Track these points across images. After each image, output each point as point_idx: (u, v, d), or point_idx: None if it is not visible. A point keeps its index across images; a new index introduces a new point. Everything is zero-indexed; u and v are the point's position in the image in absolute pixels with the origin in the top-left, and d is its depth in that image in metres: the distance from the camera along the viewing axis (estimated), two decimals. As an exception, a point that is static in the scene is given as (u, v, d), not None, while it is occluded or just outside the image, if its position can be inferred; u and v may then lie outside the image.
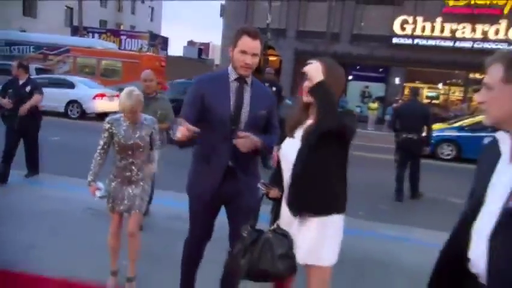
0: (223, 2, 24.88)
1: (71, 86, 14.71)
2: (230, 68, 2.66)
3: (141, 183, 3.56)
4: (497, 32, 19.26)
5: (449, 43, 19.83)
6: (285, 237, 2.36)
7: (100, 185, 3.54)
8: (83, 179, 5.62)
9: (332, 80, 2.19)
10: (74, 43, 21.17)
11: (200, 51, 37.50)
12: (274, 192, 2.47)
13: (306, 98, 2.23)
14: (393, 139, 7.07)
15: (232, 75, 2.65)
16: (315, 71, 2.06)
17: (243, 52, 2.51)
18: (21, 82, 6.10)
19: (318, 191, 2.27)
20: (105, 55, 20.19)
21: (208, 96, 2.65)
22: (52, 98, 12.66)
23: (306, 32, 22.53)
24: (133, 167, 3.46)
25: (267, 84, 9.38)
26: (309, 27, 22.44)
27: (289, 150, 2.36)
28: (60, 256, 3.98)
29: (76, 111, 14.32)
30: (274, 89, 9.05)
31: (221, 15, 25.54)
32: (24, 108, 5.91)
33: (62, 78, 15.50)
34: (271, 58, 22.40)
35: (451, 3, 19.72)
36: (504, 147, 1.39)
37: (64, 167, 7.00)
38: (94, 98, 14.55)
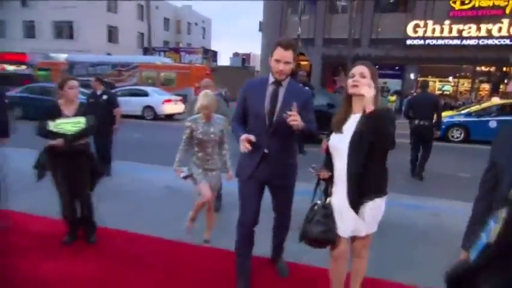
0: (261, 20, 25.03)
1: (145, 94, 15.79)
2: (270, 74, 2.71)
3: (216, 171, 3.66)
4: (500, 29, 18.59)
5: (457, 41, 19.36)
6: (325, 208, 2.40)
7: (184, 168, 3.70)
8: (160, 165, 6.20)
9: (375, 78, 2.26)
10: (140, 60, 22.43)
11: (243, 60, 37.86)
12: (324, 174, 2.48)
13: (352, 90, 2.24)
14: (408, 126, 6.96)
15: (270, 80, 2.69)
16: (369, 91, 2.07)
17: (277, 61, 2.55)
18: (98, 93, 6.17)
19: (371, 184, 2.26)
20: (163, 68, 21.35)
21: (248, 98, 2.76)
22: (132, 104, 14.23)
23: (331, 39, 22.46)
24: (209, 157, 3.53)
25: (300, 85, 9.86)
26: (334, 35, 22.32)
27: (339, 144, 2.33)
28: (149, 221, 4.29)
29: (150, 114, 15.22)
30: (307, 88, 9.88)
31: (259, 30, 25.75)
32: (116, 128, 6.07)
33: (139, 88, 16.71)
34: (302, 63, 22.63)
35: (457, 7, 19.22)
36: None
37: (145, 156, 7.44)
38: (163, 103, 15.37)
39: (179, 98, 16.25)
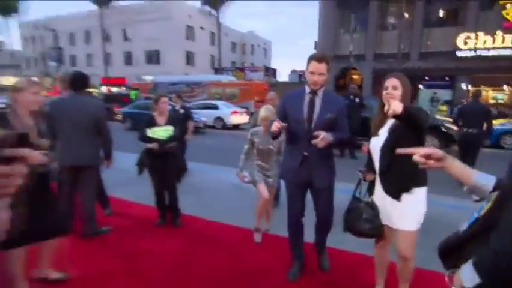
0: (316, 40, 25.03)
1: (216, 107, 16.69)
2: (306, 85, 2.64)
3: (274, 176, 3.59)
4: None
5: (510, 51, 17.73)
6: (372, 209, 2.34)
7: (246, 173, 3.69)
8: (229, 167, 6.13)
9: (407, 88, 2.19)
10: (209, 79, 23.92)
11: (300, 76, 37.67)
12: (369, 176, 2.45)
13: (386, 101, 2.10)
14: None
15: (307, 90, 2.61)
16: (397, 105, 1.89)
17: (312, 73, 2.50)
18: (177, 107, 6.26)
19: (403, 175, 2.13)
20: (228, 85, 22.58)
21: (287, 107, 2.70)
22: (205, 115, 15.07)
23: (381, 54, 21.66)
24: (267, 165, 3.50)
25: (351, 96, 9.15)
26: (384, 50, 21.57)
27: (376, 146, 2.28)
28: (219, 211, 4.46)
29: (220, 124, 16.02)
30: (357, 99, 9.18)
31: (315, 48, 25.60)
32: (190, 137, 6.12)
33: (210, 102, 17.63)
34: (354, 76, 22.16)
35: (511, 18, 17.66)
36: None
37: (216, 158, 7.72)
38: (231, 114, 16.17)
39: (244, 110, 16.98)
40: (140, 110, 13.97)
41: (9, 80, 33.65)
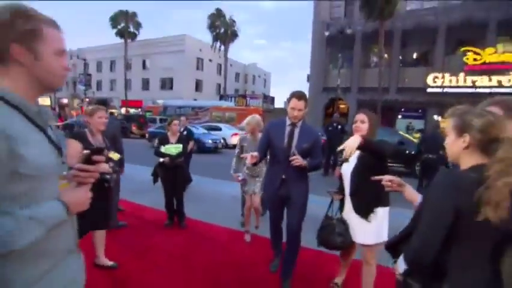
0: (309, 73, 25.33)
1: (220, 129, 17.03)
2: (287, 117, 2.65)
3: (259, 178, 3.69)
4: (509, 80, 17.39)
5: (471, 90, 18.16)
6: (344, 224, 2.37)
7: (239, 174, 3.83)
8: (227, 180, 6.00)
9: (373, 122, 2.26)
10: (211, 104, 24.50)
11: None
12: (337, 196, 2.48)
13: (355, 132, 2.20)
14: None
15: (288, 122, 2.64)
16: (352, 142, 1.91)
17: (292, 108, 2.54)
18: (181, 129, 5.99)
19: (370, 196, 2.17)
20: (227, 110, 23.15)
21: (271, 135, 2.71)
22: (210, 136, 15.04)
23: (364, 87, 22.20)
24: (255, 167, 3.40)
25: (335, 124, 9.41)
26: (366, 84, 22.09)
27: (346, 171, 2.33)
28: (218, 217, 4.61)
29: (222, 144, 15.70)
30: (339, 126, 9.39)
31: (307, 81, 25.73)
32: (190, 147, 5.83)
33: (215, 125, 17.96)
34: (341, 106, 22.46)
35: (470, 62, 18.29)
36: None
37: (217, 173, 7.72)
38: (232, 136, 16.59)
39: (244, 132, 17.18)
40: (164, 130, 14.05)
41: (45, 101, 34.25)
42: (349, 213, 2.34)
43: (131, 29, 30.52)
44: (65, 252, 1.02)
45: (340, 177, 2.44)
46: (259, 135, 3.47)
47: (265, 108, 27.89)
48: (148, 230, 4.07)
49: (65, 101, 37.95)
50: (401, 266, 1.32)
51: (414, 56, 21.92)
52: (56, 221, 0.91)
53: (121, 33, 30.47)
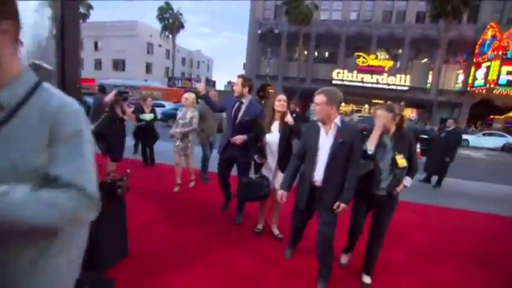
0: (245, 61, 25.90)
1: (163, 106, 15.78)
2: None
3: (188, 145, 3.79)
4: (382, 79, 20.83)
5: (360, 84, 21.37)
6: (266, 179, 2.42)
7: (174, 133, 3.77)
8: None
9: (289, 103, 2.35)
10: (141, 84, 24.17)
11: (232, 86, 37.23)
12: (263, 160, 2.48)
13: (280, 109, 2.30)
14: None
15: (237, 99, 2.70)
16: (290, 118, 2.15)
17: (233, 85, 2.75)
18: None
19: (286, 160, 2.20)
20: (155, 89, 22.98)
21: (225, 105, 2.80)
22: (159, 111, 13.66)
23: (288, 77, 23.70)
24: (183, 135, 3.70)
25: (256, 102, 10.58)
26: (289, 74, 23.61)
27: (270, 139, 2.39)
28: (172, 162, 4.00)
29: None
30: (259, 105, 10.61)
31: (243, 68, 26.10)
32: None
33: (159, 102, 16.47)
34: (270, 90, 22.69)
35: (360, 64, 21.21)
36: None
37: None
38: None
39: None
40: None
41: None
42: (275, 169, 2.43)
43: (83, 10, 27.85)
44: None
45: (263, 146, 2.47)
46: (192, 108, 3.69)
47: (208, 89, 28.12)
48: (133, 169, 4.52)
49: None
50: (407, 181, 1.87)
51: (326, 54, 24.35)
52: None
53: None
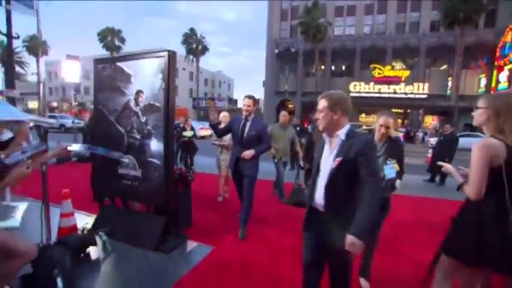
0: (264, 79, 27.03)
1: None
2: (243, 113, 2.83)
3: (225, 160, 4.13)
4: (400, 89, 21.36)
5: (377, 95, 21.97)
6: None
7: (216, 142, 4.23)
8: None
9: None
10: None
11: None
12: (307, 166, 2.49)
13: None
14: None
15: (243, 116, 2.84)
16: None
17: (244, 105, 2.78)
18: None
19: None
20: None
21: (232, 124, 2.93)
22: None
23: (306, 92, 24.64)
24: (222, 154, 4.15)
25: (260, 119, 9.55)
26: (307, 89, 24.56)
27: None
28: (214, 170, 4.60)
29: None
30: (262, 121, 9.99)
31: (263, 86, 27.59)
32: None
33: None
34: (289, 105, 24.18)
35: (376, 75, 21.93)
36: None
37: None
38: (200, 129, 15.75)
39: (208, 126, 17.16)
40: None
41: (35, 104, 33.17)
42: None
43: (117, 43, 31.19)
44: None
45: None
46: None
47: (230, 108, 28.96)
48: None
49: (54, 104, 37.05)
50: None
51: (342, 68, 25.27)
52: None
53: (107, 47, 31.01)
